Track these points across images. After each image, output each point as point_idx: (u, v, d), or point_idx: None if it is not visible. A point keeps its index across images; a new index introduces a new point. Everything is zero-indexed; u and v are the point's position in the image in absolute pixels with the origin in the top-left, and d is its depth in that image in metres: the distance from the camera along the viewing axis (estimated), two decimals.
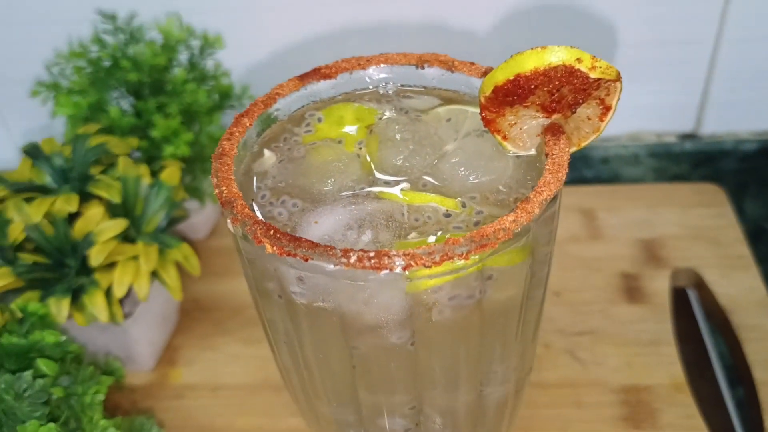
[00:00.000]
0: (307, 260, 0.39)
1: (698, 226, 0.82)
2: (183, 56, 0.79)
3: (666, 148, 0.89)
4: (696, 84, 0.86)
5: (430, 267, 0.38)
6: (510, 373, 0.52)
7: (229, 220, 0.42)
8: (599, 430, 0.65)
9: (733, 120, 0.88)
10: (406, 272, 0.39)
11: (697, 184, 0.87)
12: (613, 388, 0.68)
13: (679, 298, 0.78)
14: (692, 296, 0.78)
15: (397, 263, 0.38)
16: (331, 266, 0.39)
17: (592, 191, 0.88)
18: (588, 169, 0.91)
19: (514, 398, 0.55)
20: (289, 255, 0.39)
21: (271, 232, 0.40)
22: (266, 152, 0.48)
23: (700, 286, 0.77)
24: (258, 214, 0.45)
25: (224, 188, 0.42)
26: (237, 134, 0.46)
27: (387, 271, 0.38)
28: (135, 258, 0.66)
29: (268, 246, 0.40)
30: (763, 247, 0.89)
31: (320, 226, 0.43)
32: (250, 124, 0.47)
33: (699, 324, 0.77)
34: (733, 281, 0.76)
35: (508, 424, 0.58)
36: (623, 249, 0.80)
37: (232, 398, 0.71)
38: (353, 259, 0.38)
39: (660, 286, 0.76)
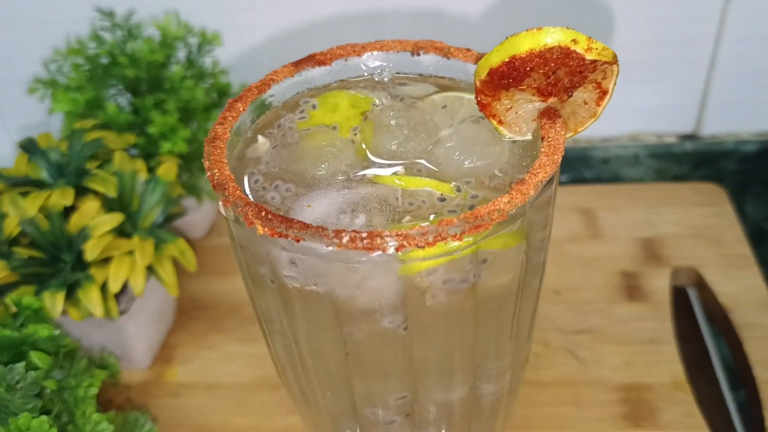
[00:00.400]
0: (298, 241, 0.38)
1: (698, 225, 0.81)
2: (181, 54, 0.79)
3: (666, 148, 0.89)
4: (696, 84, 0.86)
5: (423, 248, 0.38)
6: (505, 366, 0.51)
7: (220, 203, 0.42)
8: (599, 428, 0.65)
9: (733, 120, 0.88)
10: (399, 254, 0.38)
11: (697, 183, 0.87)
12: (612, 387, 0.67)
13: (679, 297, 0.77)
14: (692, 295, 0.78)
15: (390, 244, 0.37)
16: (323, 247, 0.38)
17: (592, 191, 0.87)
18: (588, 170, 0.91)
19: (509, 393, 0.54)
20: (280, 236, 0.39)
21: (263, 213, 0.39)
22: (260, 138, 0.48)
23: (701, 285, 0.76)
24: (250, 198, 0.44)
25: (216, 171, 0.42)
26: (230, 119, 0.46)
27: (380, 253, 0.38)
28: (131, 253, 0.66)
29: (259, 227, 0.39)
30: (764, 249, 0.89)
31: (313, 210, 0.43)
32: (244, 109, 0.47)
33: (699, 323, 0.76)
34: (733, 280, 0.75)
35: (504, 420, 0.58)
36: (623, 248, 0.80)
37: (229, 397, 0.70)
38: (345, 239, 0.38)
39: (660, 285, 0.76)
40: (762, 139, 0.87)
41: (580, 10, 0.81)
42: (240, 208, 0.40)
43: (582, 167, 0.90)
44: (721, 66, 0.84)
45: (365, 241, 0.38)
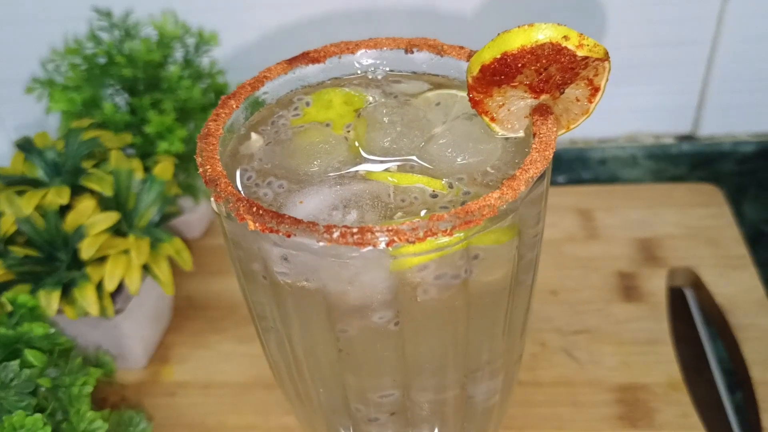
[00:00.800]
0: (289, 236, 0.38)
1: (695, 226, 0.81)
2: (178, 53, 0.79)
3: (664, 149, 0.88)
4: (694, 85, 0.86)
5: (413, 243, 0.38)
6: (498, 363, 0.51)
7: (212, 199, 0.42)
8: (595, 428, 0.65)
9: (731, 121, 0.88)
10: (390, 249, 0.38)
11: (694, 184, 0.87)
12: (609, 387, 0.67)
13: (676, 297, 0.77)
14: (689, 296, 0.78)
15: (381, 239, 0.37)
16: (314, 243, 0.38)
17: (589, 191, 0.87)
18: (585, 171, 0.90)
19: (502, 391, 0.54)
20: (271, 232, 0.39)
21: (254, 208, 0.39)
22: (253, 135, 0.48)
23: (698, 285, 0.76)
24: (242, 194, 0.44)
25: (208, 167, 0.42)
26: (223, 115, 0.46)
27: (370, 248, 0.38)
28: (126, 252, 0.66)
29: (250, 223, 0.39)
30: (761, 250, 0.89)
31: (305, 206, 0.43)
32: (237, 106, 0.47)
33: (696, 324, 0.76)
34: (730, 281, 0.75)
35: (498, 419, 0.57)
36: (620, 248, 0.80)
37: (224, 396, 0.70)
38: (336, 234, 0.38)
39: (657, 285, 0.75)
40: (759, 140, 0.87)
41: (577, 10, 0.81)
42: (231, 204, 0.40)
43: (579, 168, 0.90)
44: (719, 67, 0.83)
45: (356, 237, 0.38)
